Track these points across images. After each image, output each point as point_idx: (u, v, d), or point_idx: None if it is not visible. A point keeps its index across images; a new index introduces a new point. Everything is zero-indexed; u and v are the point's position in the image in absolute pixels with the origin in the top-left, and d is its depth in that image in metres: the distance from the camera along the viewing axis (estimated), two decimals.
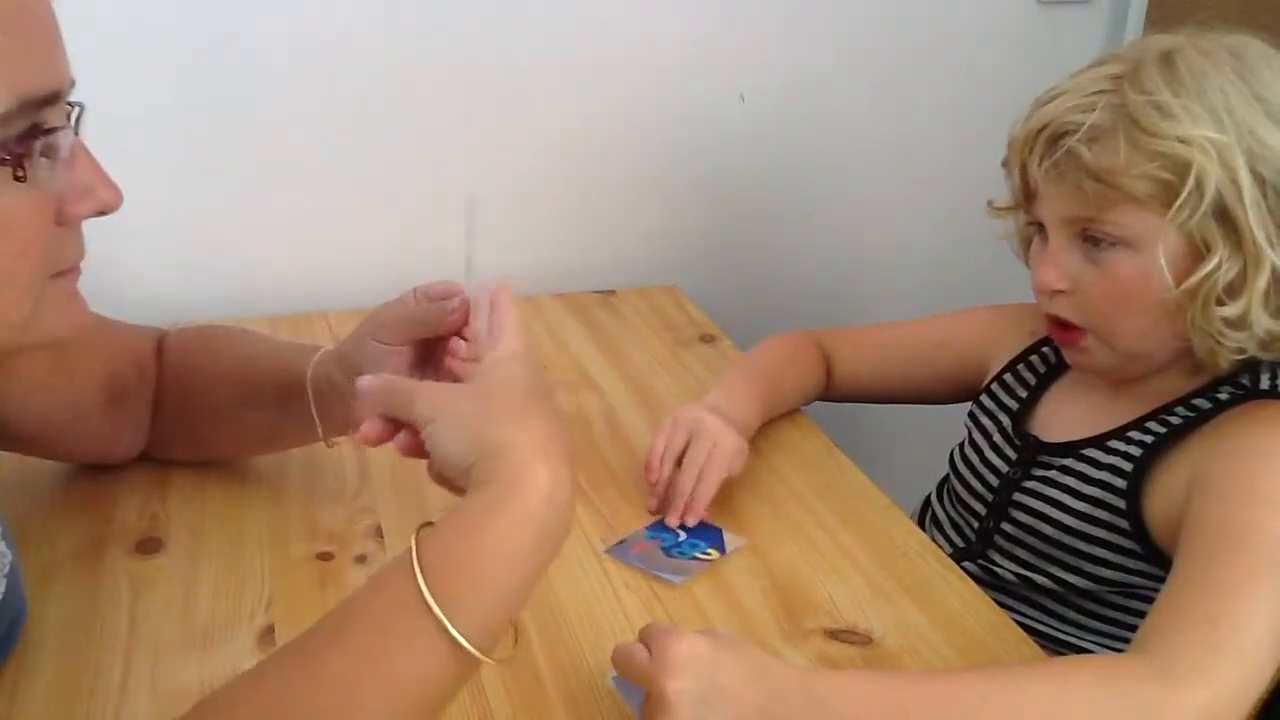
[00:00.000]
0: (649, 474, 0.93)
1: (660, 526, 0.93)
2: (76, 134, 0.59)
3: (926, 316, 1.13)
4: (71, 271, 0.63)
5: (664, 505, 0.93)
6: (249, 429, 0.91)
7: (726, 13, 1.39)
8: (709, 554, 0.89)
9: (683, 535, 0.92)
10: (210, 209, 1.29)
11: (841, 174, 1.53)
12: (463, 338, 0.77)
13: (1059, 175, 0.83)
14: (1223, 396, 0.85)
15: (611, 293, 1.42)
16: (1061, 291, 0.87)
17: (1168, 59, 0.81)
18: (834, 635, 0.80)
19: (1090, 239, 0.84)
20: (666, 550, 0.89)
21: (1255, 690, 0.70)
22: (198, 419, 0.92)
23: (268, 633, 0.78)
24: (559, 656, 0.77)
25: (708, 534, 0.92)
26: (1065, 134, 0.82)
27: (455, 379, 0.78)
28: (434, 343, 0.79)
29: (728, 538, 0.91)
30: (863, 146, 1.52)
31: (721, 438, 0.93)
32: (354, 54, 1.27)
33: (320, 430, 0.85)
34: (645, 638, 0.67)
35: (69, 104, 0.59)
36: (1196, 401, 0.86)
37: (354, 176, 1.32)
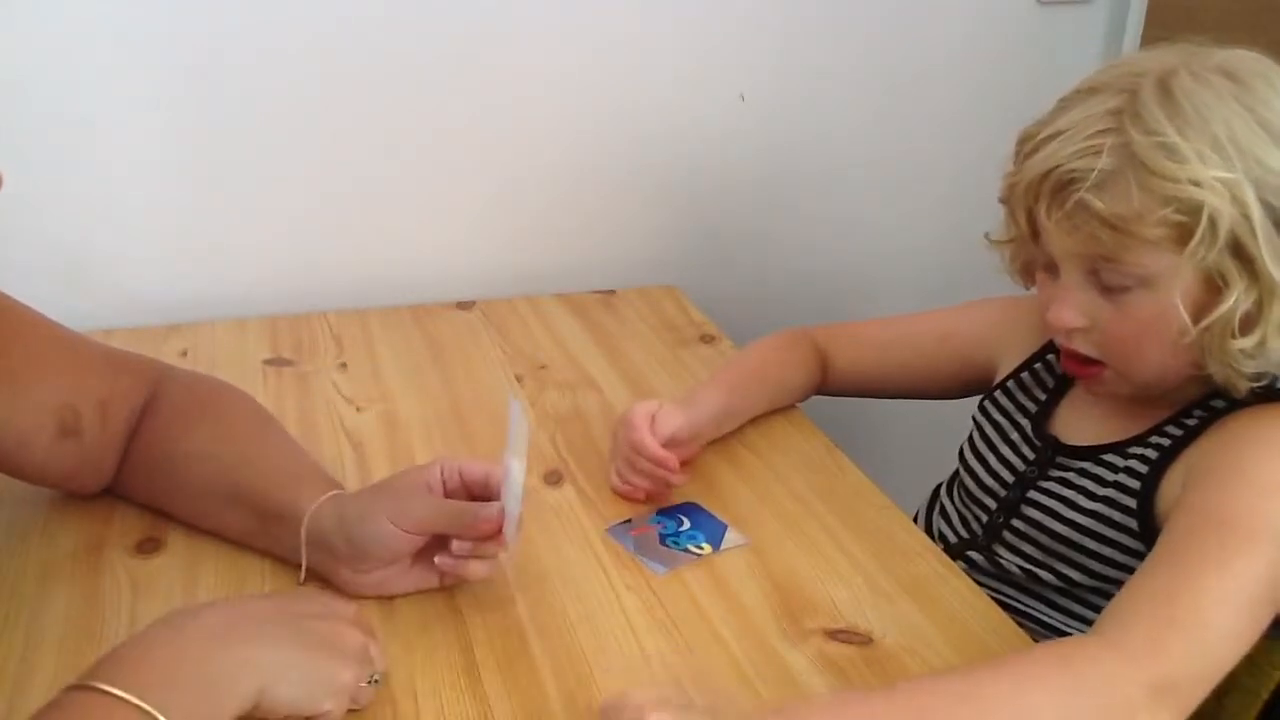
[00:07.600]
0: (627, 496, 0.95)
1: (668, 512, 0.94)
2: None
3: (928, 311, 1.12)
4: None
5: (653, 494, 0.95)
6: (215, 518, 0.86)
7: (727, 13, 1.39)
8: (702, 549, 0.89)
9: (686, 524, 0.92)
10: (210, 209, 1.29)
11: (842, 173, 1.53)
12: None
13: (1072, 226, 0.81)
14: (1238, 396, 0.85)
15: (611, 293, 1.42)
16: (1079, 328, 0.86)
17: (1164, 88, 0.79)
18: (834, 635, 0.80)
19: (1105, 277, 0.83)
20: (663, 538, 0.90)
21: (1215, 668, 0.69)
22: (168, 485, 0.87)
23: None
24: (559, 657, 0.77)
25: (711, 527, 0.92)
26: (1072, 182, 0.80)
27: (434, 575, 0.80)
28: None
29: (729, 535, 0.91)
30: (863, 145, 1.52)
31: (625, 417, 0.95)
32: (355, 54, 1.27)
33: (302, 575, 0.81)
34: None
35: None
36: (1214, 402, 0.86)
37: (354, 177, 1.32)
